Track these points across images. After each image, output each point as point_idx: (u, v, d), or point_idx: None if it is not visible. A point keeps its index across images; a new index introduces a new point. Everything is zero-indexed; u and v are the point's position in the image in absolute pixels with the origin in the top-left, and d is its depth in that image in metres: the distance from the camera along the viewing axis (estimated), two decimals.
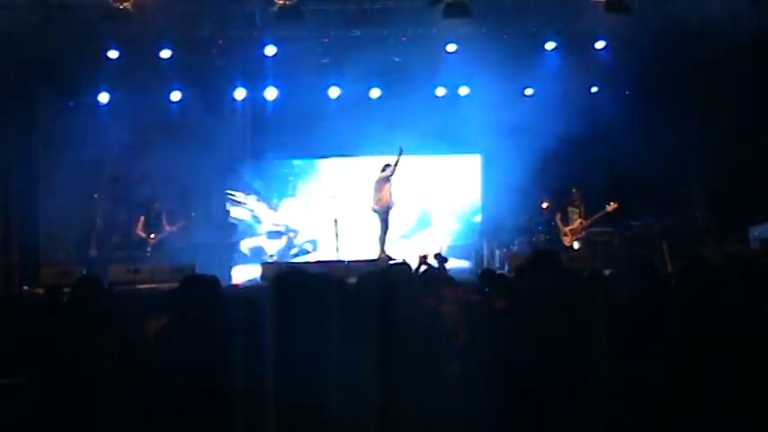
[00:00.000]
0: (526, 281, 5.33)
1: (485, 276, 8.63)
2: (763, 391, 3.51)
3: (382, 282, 4.16)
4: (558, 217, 15.32)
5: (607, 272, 8.52)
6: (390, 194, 14.88)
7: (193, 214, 15.88)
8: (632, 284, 5.36)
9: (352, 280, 4.49)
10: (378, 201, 14.82)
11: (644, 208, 15.47)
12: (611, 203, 14.69)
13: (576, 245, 15.39)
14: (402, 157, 14.83)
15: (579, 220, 15.01)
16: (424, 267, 10.38)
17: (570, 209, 15.16)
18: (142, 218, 15.28)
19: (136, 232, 15.29)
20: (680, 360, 3.75)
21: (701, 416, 3.59)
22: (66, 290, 7.77)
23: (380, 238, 14.87)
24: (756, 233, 13.93)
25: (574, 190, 15.16)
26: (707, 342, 3.69)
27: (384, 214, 14.81)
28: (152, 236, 15.02)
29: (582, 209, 15.06)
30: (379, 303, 3.92)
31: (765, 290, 3.85)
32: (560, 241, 15.49)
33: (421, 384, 3.88)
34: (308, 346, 3.14)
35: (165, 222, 15.27)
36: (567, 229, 15.09)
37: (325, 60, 15.76)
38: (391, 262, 14.13)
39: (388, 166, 14.88)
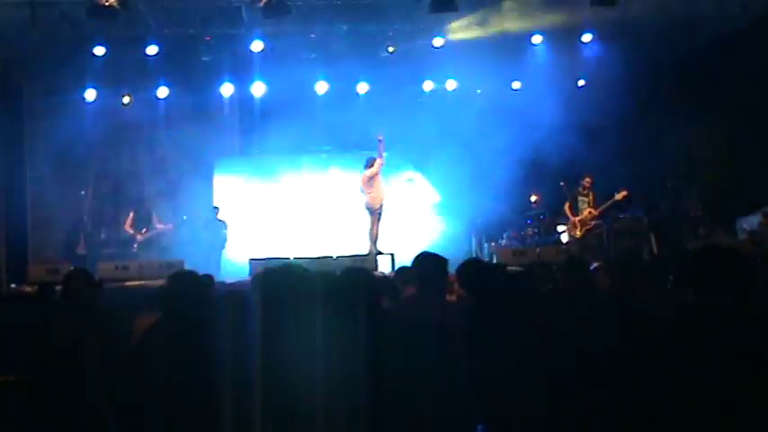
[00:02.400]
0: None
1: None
2: (748, 382, 3.53)
3: (365, 275, 4.18)
4: (566, 206, 15.12)
5: (595, 264, 8.55)
6: (382, 190, 14.72)
7: (185, 217, 15.82)
8: (619, 275, 5.42)
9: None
10: (371, 198, 14.63)
11: (632, 200, 15.47)
12: (620, 191, 14.58)
13: (564, 237, 15.40)
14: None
15: (588, 210, 14.88)
16: None
17: (580, 198, 14.98)
18: (131, 214, 15.25)
19: (124, 229, 15.26)
20: (658, 348, 3.78)
21: (683, 405, 3.61)
22: (57, 287, 7.76)
23: (373, 234, 14.76)
24: (744, 225, 14.01)
25: (587, 178, 14.97)
26: (688, 332, 3.71)
27: (378, 210, 14.69)
28: (143, 231, 15.01)
29: (591, 197, 14.94)
30: (363, 296, 3.94)
31: (748, 279, 3.87)
32: (549, 234, 15.54)
33: (405, 375, 3.90)
34: (295, 339, 3.15)
35: (155, 220, 15.25)
36: (577, 219, 14.91)
37: (312, 55, 15.73)
38: (380, 256, 14.18)
39: (372, 159, 14.68)
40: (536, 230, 15.76)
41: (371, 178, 14.52)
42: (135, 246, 14.95)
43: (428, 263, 5.20)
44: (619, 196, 14.58)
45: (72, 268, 9.21)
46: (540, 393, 4.31)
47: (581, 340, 4.38)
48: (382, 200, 14.66)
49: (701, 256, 3.97)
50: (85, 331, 4.50)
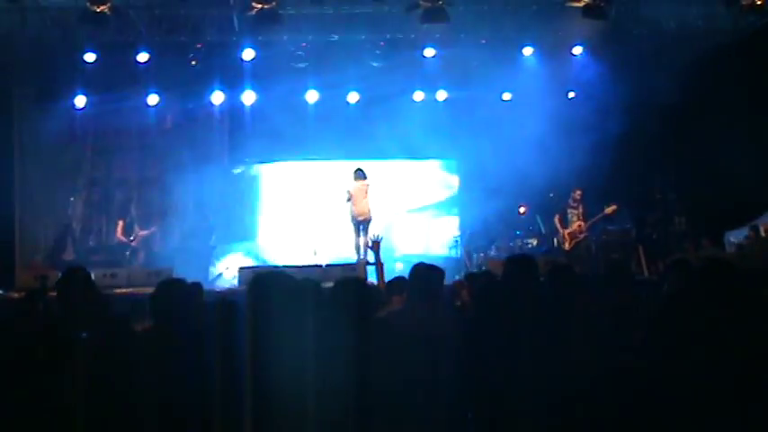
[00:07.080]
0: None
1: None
2: (741, 392, 3.55)
3: (357, 285, 4.19)
4: (556, 218, 15.09)
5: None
6: (363, 205, 14.76)
7: (166, 219, 15.79)
8: (606, 287, 5.45)
9: (329, 284, 4.50)
10: (359, 211, 14.70)
11: (621, 213, 15.51)
12: (610, 205, 14.58)
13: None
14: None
15: (578, 223, 14.85)
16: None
17: (569, 210, 14.95)
18: (121, 222, 15.27)
19: (116, 236, 15.26)
20: (655, 358, 3.79)
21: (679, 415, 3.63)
22: (51, 294, 7.71)
23: (357, 245, 14.80)
24: (732, 238, 14.09)
25: (578, 191, 14.93)
26: (684, 341, 3.73)
27: (365, 224, 14.73)
28: (131, 238, 15.06)
29: (581, 210, 14.90)
30: (354, 306, 3.95)
31: (739, 290, 3.91)
32: (543, 244, 15.56)
33: (394, 383, 3.90)
34: (286, 347, 3.16)
35: (136, 228, 15.25)
36: (566, 232, 14.87)
37: (302, 64, 15.72)
38: (369, 266, 14.17)
39: (360, 170, 14.78)
40: (524, 241, 15.78)
41: (362, 191, 14.60)
42: (127, 253, 14.97)
43: (421, 273, 5.20)
44: (609, 210, 14.57)
45: (69, 267, 9.14)
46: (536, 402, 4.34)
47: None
48: (361, 214, 14.66)
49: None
50: (78, 336, 4.48)
